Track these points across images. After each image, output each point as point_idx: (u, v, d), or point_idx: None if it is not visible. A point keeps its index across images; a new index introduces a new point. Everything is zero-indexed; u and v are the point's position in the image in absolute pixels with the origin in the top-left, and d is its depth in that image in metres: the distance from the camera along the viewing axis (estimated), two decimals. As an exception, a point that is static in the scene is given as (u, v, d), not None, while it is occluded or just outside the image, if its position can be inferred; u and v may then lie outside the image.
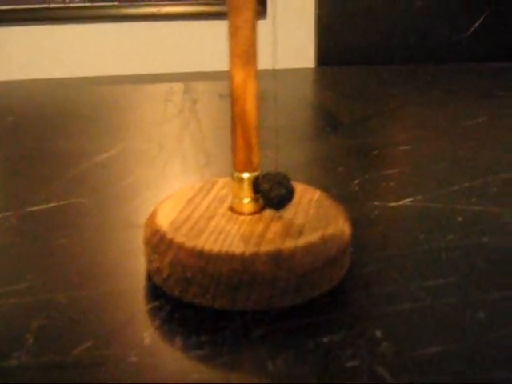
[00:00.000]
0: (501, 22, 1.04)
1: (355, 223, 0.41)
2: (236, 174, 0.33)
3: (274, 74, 0.97)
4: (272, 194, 0.33)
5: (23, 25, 0.98)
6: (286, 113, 0.73)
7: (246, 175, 0.33)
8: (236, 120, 0.32)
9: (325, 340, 0.29)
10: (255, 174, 0.33)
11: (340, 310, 0.31)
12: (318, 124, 0.68)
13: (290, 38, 1.04)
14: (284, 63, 1.03)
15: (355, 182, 0.49)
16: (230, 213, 0.34)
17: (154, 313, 0.31)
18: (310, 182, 0.47)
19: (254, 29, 0.30)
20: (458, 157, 0.55)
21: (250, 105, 0.31)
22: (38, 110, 0.79)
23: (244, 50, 0.31)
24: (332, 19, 1.03)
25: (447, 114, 0.72)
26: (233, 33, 0.30)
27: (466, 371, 0.27)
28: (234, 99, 0.32)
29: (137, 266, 0.36)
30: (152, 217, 0.35)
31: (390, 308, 0.31)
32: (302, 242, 0.31)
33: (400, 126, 0.67)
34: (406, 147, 0.58)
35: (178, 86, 0.88)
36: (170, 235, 0.32)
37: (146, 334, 0.30)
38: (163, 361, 0.28)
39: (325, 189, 0.45)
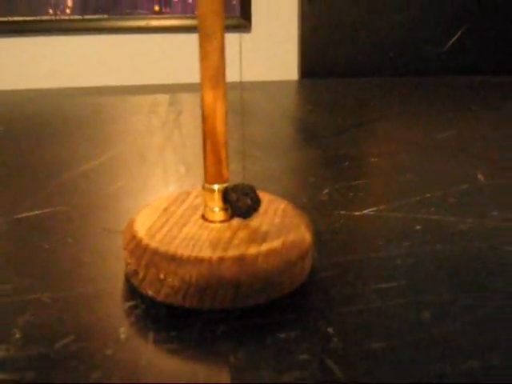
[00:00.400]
0: (477, 37, 1.08)
1: (321, 231, 0.44)
2: (207, 185, 0.37)
3: (259, 86, 1.00)
4: (239, 204, 0.36)
5: (14, 36, 1.01)
6: (267, 125, 0.76)
7: (216, 187, 0.36)
8: (206, 137, 0.35)
9: (282, 336, 0.32)
10: (225, 185, 0.36)
11: (298, 311, 0.34)
12: (296, 136, 0.72)
13: (275, 51, 1.07)
14: (269, 75, 1.07)
15: (324, 191, 0.52)
16: (201, 220, 0.37)
17: (129, 311, 0.34)
18: (283, 191, 0.50)
19: (222, 55, 0.33)
20: (423, 169, 0.59)
21: (219, 123, 0.35)
22: (26, 120, 0.82)
23: (213, 74, 0.34)
24: (315, 34, 1.06)
25: (420, 127, 0.75)
26: (203, 58, 0.34)
27: (408, 365, 0.30)
28: (204, 118, 0.35)
29: (116, 269, 0.39)
30: (130, 224, 0.38)
31: (343, 309, 0.35)
32: (264, 248, 0.34)
33: (373, 138, 0.71)
34: (376, 159, 0.61)
35: (163, 97, 0.92)
36: (145, 241, 0.35)
37: (122, 329, 0.33)
38: (136, 353, 0.31)
39: (296, 198, 0.48)
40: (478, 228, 0.45)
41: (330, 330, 0.33)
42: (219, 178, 0.36)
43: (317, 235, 0.43)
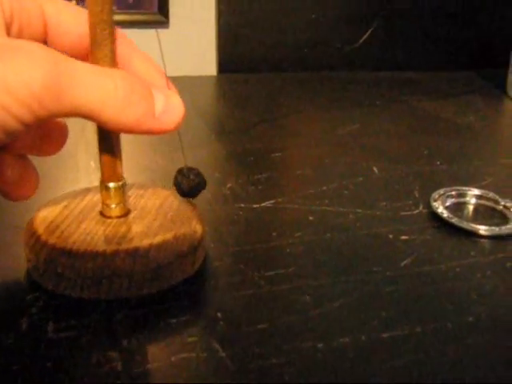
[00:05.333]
0: (385, 35, 1.14)
1: (219, 223, 0.47)
2: (103, 183, 0.39)
3: (177, 81, 1.02)
4: (189, 181, 0.39)
5: None
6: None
7: (111, 185, 0.38)
8: (100, 140, 0.37)
9: (173, 321, 0.35)
10: (120, 183, 0.39)
11: (190, 298, 0.37)
12: (206, 132, 0.74)
13: (193, 47, 1.09)
14: (187, 71, 1.09)
15: (228, 186, 0.55)
16: (99, 216, 0.40)
17: (31, 303, 0.36)
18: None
19: (113, 62, 0.35)
20: (323, 163, 0.62)
21: (112, 127, 0.37)
22: None
23: (105, 80, 0.36)
24: (232, 30, 1.09)
25: (325, 122, 0.79)
26: (94, 64, 0.36)
27: (284, 344, 0.33)
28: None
29: (20, 265, 0.40)
30: (31, 221, 0.40)
31: (233, 294, 0.38)
32: (156, 240, 0.37)
33: (279, 133, 0.74)
34: (279, 154, 0.65)
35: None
36: (44, 237, 0.37)
37: (23, 320, 0.35)
38: (36, 342, 0.33)
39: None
40: (366, 217, 0.49)
41: (219, 314, 0.36)
42: (114, 177, 0.38)
43: (215, 227, 0.46)
